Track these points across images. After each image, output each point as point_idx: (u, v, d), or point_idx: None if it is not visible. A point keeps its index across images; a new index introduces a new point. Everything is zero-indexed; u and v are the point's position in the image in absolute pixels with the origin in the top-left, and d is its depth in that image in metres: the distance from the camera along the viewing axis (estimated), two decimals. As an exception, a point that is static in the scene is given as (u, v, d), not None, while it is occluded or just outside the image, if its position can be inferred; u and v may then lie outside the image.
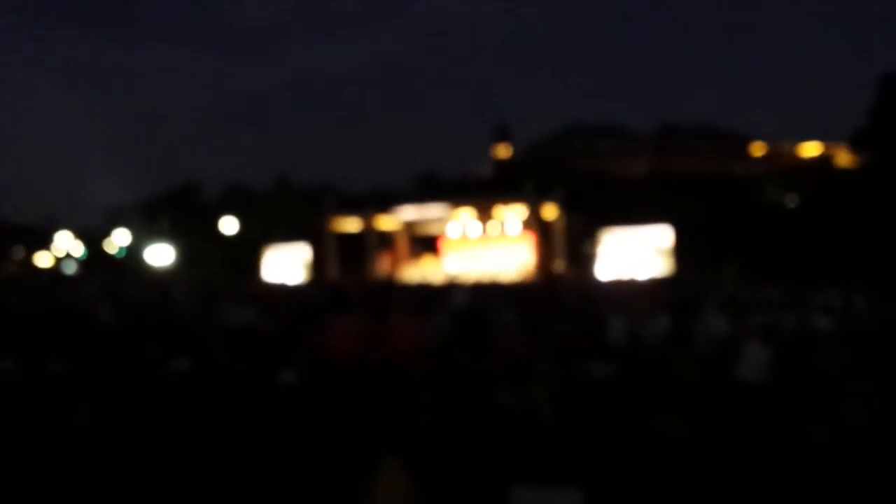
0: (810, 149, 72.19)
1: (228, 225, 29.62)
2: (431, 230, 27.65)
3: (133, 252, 31.28)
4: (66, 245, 35.76)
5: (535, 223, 24.84)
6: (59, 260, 36.70)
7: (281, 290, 17.43)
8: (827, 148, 68.75)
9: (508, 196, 26.52)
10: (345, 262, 26.59)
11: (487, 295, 13.81)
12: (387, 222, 27.38)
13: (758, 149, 73.67)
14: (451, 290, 15.14)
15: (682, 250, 22.30)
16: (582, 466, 3.57)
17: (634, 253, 23.30)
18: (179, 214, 33.58)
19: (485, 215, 26.13)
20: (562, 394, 5.54)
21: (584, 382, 6.57)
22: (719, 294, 11.19)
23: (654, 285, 14.73)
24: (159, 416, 5.82)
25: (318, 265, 27.38)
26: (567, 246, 24.54)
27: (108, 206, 42.20)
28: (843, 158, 59.18)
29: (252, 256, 29.00)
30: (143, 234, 30.86)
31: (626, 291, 14.54)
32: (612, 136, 72.14)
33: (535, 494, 3.39)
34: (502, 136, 79.36)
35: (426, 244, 28.07)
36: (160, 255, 28.79)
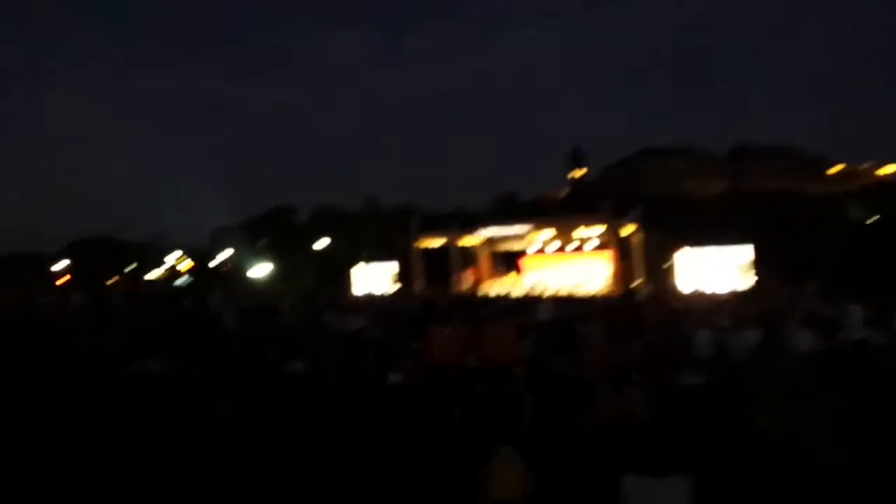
0: (888, 168, 68.01)
1: (320, 243, 31.28)
2: (512, 247, 28.14)
3: (236, 268, 33.70)
4: (176, 261, 39.00)
5: (613, 241, 24.82)
6: (170, 275, 39.94)
7: (376, 302, 18.35)
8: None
9: (587, 215, 26.61)
10: (430, 278, 27.46)
11: (571, 308, 14.05)
12: (469, 240, 28.04)
13: (834, 168, 70.14)
14: (535, 304, 15.47)
15: (760, 267, 21.72)
16: (680, 460, 3.76)
17: (712, 269, 22.86)
18: (275, 234, 35.78)
19: (564, 234, 26.33)
20: (655, 398, 5.92)
21: (674, 390, 6.89)
22: (801, 309, 11.01)
23: (736, 300, 14.47)
24: (285, 411, 6.69)
25: (404, 281, 28.40)
26: (646, 263, 24.39)
27: (213, 228, 45.61)
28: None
29: (342, 272, 30.43)
30: (244, 252, 33.20)
31: (709, 306, 14.37)
32: (687, 156, 70.52)
33: (646, 482, 3.57)
34: (578, 158, 79.26)
35: (507, 261, 28.57)
36: (259, 270, 30.89)
